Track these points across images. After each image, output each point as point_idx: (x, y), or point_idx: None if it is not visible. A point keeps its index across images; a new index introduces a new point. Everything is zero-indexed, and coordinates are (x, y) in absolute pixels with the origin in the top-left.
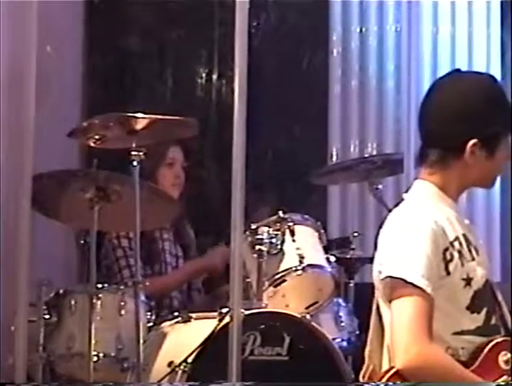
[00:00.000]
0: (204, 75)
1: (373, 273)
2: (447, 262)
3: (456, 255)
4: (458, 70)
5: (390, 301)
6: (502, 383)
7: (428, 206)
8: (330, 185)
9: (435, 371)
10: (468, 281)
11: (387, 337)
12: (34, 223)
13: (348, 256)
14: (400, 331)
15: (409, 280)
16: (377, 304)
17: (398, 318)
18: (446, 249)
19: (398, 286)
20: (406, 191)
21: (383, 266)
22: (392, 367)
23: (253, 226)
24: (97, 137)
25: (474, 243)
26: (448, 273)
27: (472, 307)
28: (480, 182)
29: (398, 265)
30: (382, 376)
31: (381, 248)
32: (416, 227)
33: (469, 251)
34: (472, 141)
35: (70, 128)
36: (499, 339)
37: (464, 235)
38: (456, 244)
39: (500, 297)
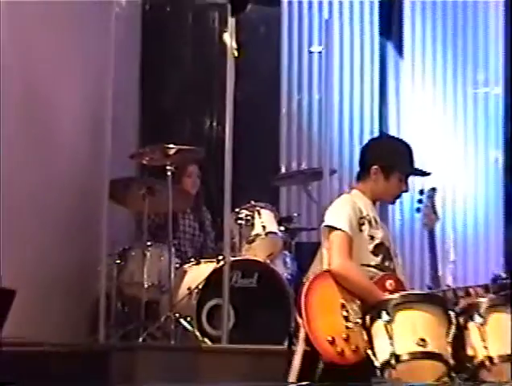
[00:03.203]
0: (208, 122)
1: (321, 228)
2: (360, 225)
3: (366, 222)
4: (387, 134)
5: (328, 239)
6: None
7: (354, 197)
8: (281, 186)
9: (352, 277)
10: (371, 237)
11: (325, 261)
12: (110, 208)
13: (291, 227)
14: (333, 252)
15: (337, 226)
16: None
17: (332, 246)
18: (361, 218)
19: (331, 230)
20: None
21: (324, 222)
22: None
23: (237, 209)
24: (147, 158)
25: (380, 225)
26: (361, 231)
27: (374, 252)
28: (382, 197)
29: (331, 219)
30: (320, 274)
31: (325, 216)
32: (344, 202)
33: (376, 223)
34: (374, 167)
35: (131, 152)
36: (387, 273)
37: (374, 217)
38: (368, 217)
39: (393, 253)
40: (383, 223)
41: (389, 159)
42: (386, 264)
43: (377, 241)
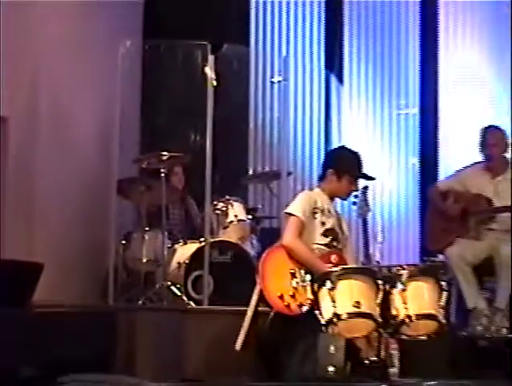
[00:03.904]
0: (193, 135)
1: (282, 215)
2: (314, 213)
3: (319, 212)
4: (343, 146)
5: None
6: None
7: (313, 193)
8: (249, 184)
9: (299, 250)
10: (323, 223)
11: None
12: (117, 201)
13: (257, 216)
14: (287, 232)
15: (293, 212)
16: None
17: (287, 227)
18: (315, 208)
19: (288, 216)
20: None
21: (285, 211)
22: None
23: (215, 202)
24: (145, 163)
25: (334, 216)
26: (314, 218)
27: (324, 234)
28: (336, 194)
29: (290, 208)
30: (275, 247)
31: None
32: (302, 196)
33: (329, 213)
34: (329, 171)
35: (134, 158)
36: (333, 250)
37: (327, 208)
38: (321, 208)
39: (343, 237)
40: (341, 215)
41: (341, 165)
42: (334, 244)
43: (327, 226)
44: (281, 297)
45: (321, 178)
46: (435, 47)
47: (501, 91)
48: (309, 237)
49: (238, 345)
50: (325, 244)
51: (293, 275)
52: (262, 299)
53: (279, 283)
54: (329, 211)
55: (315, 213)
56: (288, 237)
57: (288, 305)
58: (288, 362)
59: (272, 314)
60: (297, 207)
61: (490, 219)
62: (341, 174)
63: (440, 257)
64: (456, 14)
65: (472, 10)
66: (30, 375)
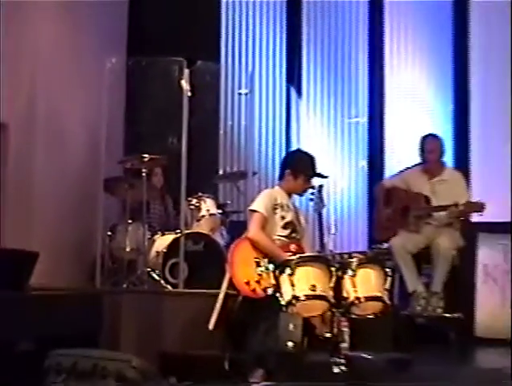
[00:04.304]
0: (170, 139)
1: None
2: (274, 209)
3: (279, 207)
4: (299, 149)
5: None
6: None
7: (274, 191)
8: (219, 183)
9: (261, 242)
10: (283, 217)
11: None
12: (104, 197)
13: (226, 210)
14: (251, 226)
15: (256, 209)
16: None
17: (251, 222)
18: (275, 204)
19: (252, 212)
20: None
21: (249, 208)
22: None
23: (189, 198)
24: (130, 163)
25: (292, 210)
26: (275, 213)
27: (284, 227)
28: (293, 191)
29: (253, 205)
30: (242, 239)
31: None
32: (264, 194)
33: (288, 208)
34: (286, 171)
35: (118, 159)
36: (292, 241)
37: (286, 204)
38: (281, 204)
39: (301, 229)
40: (299, 209)
41: (296, 166)
42: (293, 235)
43: (286, 220)
44: (247, 283)
45: (280, 177)
46: (381, 64)
47: (438, 104)
48: (271, 230)
49: (211, 325)
50: (285, 236)
51: (257, 263)
52: (231, 285)
53: (246, 271)
54: (288, 207)
55: (276, 209)
56: (252, 231)
57: (254, 290)
58: (254, 338)
59: (240, 297)
60: (260, 204)
61: (428, 215)
62: (297, 173)
63: (385, 246)
64: (399, 36)
65: (415, 33)
66: (26, 349)
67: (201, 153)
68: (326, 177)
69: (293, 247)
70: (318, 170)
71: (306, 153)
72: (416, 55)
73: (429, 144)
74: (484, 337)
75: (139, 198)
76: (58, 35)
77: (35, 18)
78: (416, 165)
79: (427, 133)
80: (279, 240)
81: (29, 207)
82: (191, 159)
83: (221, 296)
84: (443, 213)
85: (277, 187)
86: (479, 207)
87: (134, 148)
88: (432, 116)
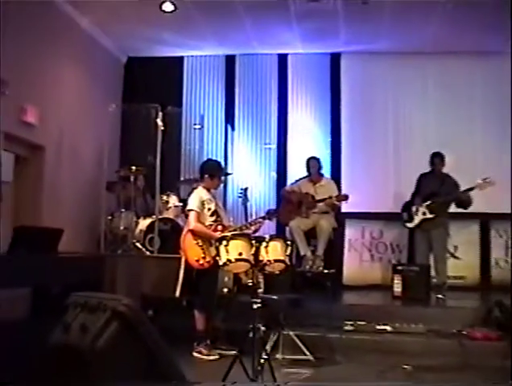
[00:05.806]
0: (149, 156)
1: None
2: (203, 204)
3: (206, 203)
4: (210, 159)
5: (188, 215)
6: None
7: (199, 190)
8: (181, 185)
9: (200, 230)
10: (209, 209)
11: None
12: (106, 194)
13: (185, 204)
14: (190, 221)
15: (191, 208)
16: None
17: (189, 218)
18: (203, 201)
19: (189, 210)
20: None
21: (186, 208)
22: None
23: (162, 195)
24: (122, 172)
25: (213, 201)
26: (203, 207)
27: (211, 215)
28: (210, 188)
29: (189, 205)
30: (187, 230)
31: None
32: (194, 194)
33: (210, 201)
34: (205, 175)
35: (115, 169)
36: (218, 223)
37: (208, 199)
38: (206, 199)
39: (222, 213)
40: (218, 199)
41: (211, 170)
42: (218, 219)
43: (212, 210)
44: (197, 260)
45: (201, 179)
46: (285, 109)
47: (320, 136)
48: (204, 219)
49: (177, 292)
50: (213, 221)
51: (200, 246)
52: (186, 263)
53: (194, 252)
54: (210, 200)
55: (204, 204)
56: (192, 224)
57: (202, 264)
58: (204, 288)
59: (195, 271)
60: (193, 204)
61: (313, 206)
62: (212, 176)
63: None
64: (297, 86)
65: (307, 84)
66: (56, 292)
67: (169, 166)
68: (231, 174)
69: (220, 228)
70: (225, 171)
71: (216, 161)
72: (308, 103)
73: (311, 163)
74: (348, 285)
75: (129, 195)
76: (78, 87)
77: (63, 74)
78: (305, 176)
79: (311, 155)
80: (210, 225)
81: (57, 200)
82: (162, 170)
83: (182, 272)
84: (322, 204)
85: (200, 187)
86: (344, 197)
87: (125, 162)
88: (316, 143)
